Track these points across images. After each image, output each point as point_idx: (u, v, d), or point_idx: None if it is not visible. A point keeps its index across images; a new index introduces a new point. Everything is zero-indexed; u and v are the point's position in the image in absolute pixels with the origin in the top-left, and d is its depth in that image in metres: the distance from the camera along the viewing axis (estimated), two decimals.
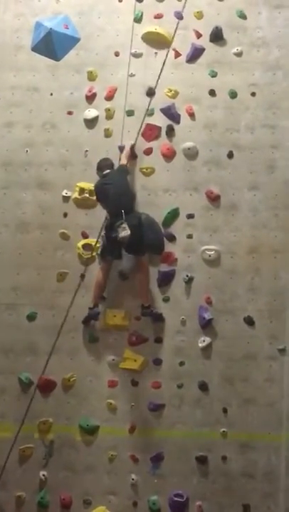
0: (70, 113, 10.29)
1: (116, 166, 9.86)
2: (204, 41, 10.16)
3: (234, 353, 9.78)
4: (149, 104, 10.00)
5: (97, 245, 9.87)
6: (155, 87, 10.01)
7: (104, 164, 9.88)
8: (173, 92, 10.14)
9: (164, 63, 9.97)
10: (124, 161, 9.82)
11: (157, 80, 9.98)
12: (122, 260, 9.69)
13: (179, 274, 9.92)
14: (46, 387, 9.93)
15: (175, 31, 9.99)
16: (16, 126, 10.34)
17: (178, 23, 9.99)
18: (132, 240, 9.43)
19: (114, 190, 9.60)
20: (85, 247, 10.02)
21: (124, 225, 9.39)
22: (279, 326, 9.75)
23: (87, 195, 10.04)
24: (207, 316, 9.79)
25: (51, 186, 10.23)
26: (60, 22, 9.16)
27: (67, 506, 9.76)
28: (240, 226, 9.94)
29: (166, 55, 9.99)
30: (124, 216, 9.44)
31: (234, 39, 10.15)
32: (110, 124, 10.14)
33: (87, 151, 10.14)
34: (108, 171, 9.81)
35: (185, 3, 9.99)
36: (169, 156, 10.10)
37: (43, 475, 9.83)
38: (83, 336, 9.96)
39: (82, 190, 10.08)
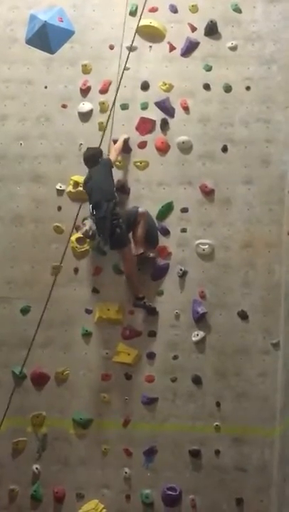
0: (64, 106, 10.27)
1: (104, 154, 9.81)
2: (199, 35, 10.16)
3: (228, 347, 9.78)
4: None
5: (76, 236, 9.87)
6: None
7: (86, 157, 9.75)
8: (167, 85, 10.13)
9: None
10: (113, 155, 9.76)
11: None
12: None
13: (173, 267, 9.92)
14: (39, 380, 9.92)
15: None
16: (10, 119, 10.32)
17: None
18: (106, 233, 9.47)
19: (93, 186, 9.58)
20: (79, 240, 10.00)
21: (86, 221, 9.51)
22: (273, 320, 9.75)
23: (81, 188, 10.02)
24: (201, 310, 9.79)
25: (45, 179, 10.22)
26: (54, 15, 9.15)
27: (60, 500, 9.77)
28: (234, 220, 9.94)
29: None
30: (93, 211, 9.49)
31: (229, 33, 10.14)
32: (104, 117, 10.10)
33: (81, 144, 10.12)
34: (93, 167, 9.71)
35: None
36: (163, 149, 10.09)
37: (36, 468, 9.83)
38: (77, 330, 9.95)
39: (76, 184, 10.07)
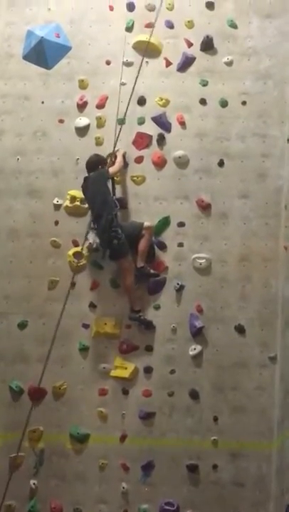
0: (61, 121, 10.31)
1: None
2: (195, 50, 10.20)
3: (225, 361, 9.78)
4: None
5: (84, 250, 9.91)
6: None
7: (90, 162, 9.84)
8: (164, 100, 10.17)
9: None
10: (115, 169, 9.82)
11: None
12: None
13: (170, 282, 9.93)
14: (37, 395, 9.90)
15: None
16: (7, 134, 10.35)
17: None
18: (104, 245, 9.59)
19: (94, 199, 9.67)
20: (76, 255, 10.01)
21: (89, 236, 9.65)
22: (270, 334, 9.76)
23: (78, 203, 10.05)
24: (198, 324, 9.80)
25: (42, 194, 10.24)
26: (51, 30, 9.19)
27: None
28: (230, 234, 9.96)
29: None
30: (93, 225, 9.61)
31: (225, 48, 10.18)
32: (101, 132, 10.15)
33: (78, 159, 10.15)
34: (92, 174, 9.79)
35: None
36: (159, 164, 10.12)
37: (34, 483, 9.80)
38: (74, 344, 9.95)
39: (73, 199, 10.09)
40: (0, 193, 10.29)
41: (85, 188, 9.82)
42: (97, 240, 9.59)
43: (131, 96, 9.95)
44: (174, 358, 9.84)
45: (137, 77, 9.99)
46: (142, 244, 9.76)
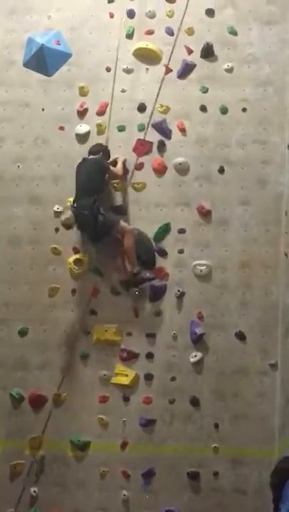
0: (61, 128, 10.31)
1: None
2: (195, 57, 10.21)
3: (226, 368, 9.77)
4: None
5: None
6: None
7: (93, 148, 9.94)
8: (164, 107, 10.17)
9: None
10: (116, 170, 9.86)
11: None
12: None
13: (171, 288, 9.92)
14: (37, 402, 9.89)
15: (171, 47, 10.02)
16: (7, 141, 10.35)
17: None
18: (85, 230, 9.67)
19: (79, 180, 9.72)
20: (76, 262, 10.01)
21: (66, 211, 9.68)
22: (270, 341, 9.74)
23: None
24: (198, 331, 9.78)
25: (43, 201, 10.23)
26: (51, 38, 9.21)
27: None
28: (231, 241, 9.95)
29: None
30: (73, 203, 9.62)
31: (225, 55, 10.19)
32: (102, 139, 10.15)
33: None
34: (91, 156, 9.84)
35: (182, 18, 10.07)
36: (160, 171, 10.12)
37: (34, 491, 9.78)
38: (75, 351, 9.93)
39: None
40: (0, 200, 10.30)
41: (78, 167, 9.82)
42: (73, 219, 9.61)
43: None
44: (175, 365, 9.82)
45: (159, 89, 10.08)
46: (126, 246, 9.72)
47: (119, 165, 9.96)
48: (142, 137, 10.15)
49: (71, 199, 9.83)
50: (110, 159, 9.96)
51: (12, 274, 10.15)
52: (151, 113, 10.13)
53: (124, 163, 10.01)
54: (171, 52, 10.11)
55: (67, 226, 9.76)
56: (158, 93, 10.10)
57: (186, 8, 10.11)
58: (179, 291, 9.89)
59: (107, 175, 9.82)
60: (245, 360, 9.75)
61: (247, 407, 9.67)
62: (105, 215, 9.56)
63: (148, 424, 9.74)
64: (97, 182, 9.72)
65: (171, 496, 9.61)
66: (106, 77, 10.26)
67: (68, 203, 9.85)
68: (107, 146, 9.98)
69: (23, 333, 10.05)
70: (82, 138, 10.23)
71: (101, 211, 9.53)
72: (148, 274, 9.85)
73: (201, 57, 10.21)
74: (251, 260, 9.89)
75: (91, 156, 9.85)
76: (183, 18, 10.10)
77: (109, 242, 9.77)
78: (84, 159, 9.85)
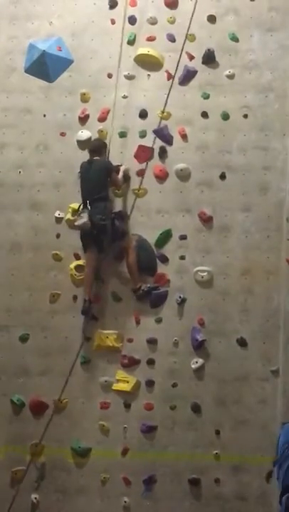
0: (62, 134, 10.32)
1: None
2: (197, 63, 10.21)
3: (227, 374, 9.75)
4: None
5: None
6: None
7: (95, 146, 9.97)
8: (165, 113, 10.17)
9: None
10: (119, 179, 9.87)
11: None
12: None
13: (172, 295, 9.91)
14: (38, 408, 9.88)
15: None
16: (8, 147, 10.37)
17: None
18: (100, 236, 9.59)
19: (92, 180, 9.73)
20: (78, 268, 10.00)
21: (83, 215, 9.57)
22: (272, 347, 9.72)
23: None
24: (200, 337, 9.77)
25: (44, 207, 10.24)
26: (53, 44, 9.23)
27: None
28: (232, 247, 9.94)
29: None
30: (88, 206, 9.59)
31: (226, 61, 10.18)
32: None
33: (80, 172, 10.14)
34: (96, 158, 9.85)
35: (189, 25, 10.11)
36: (161, 177, 10.12)
37: (35, 498, 9.76)
38: (75, 358, 9.92)
39: (74, 212, 10.08)
40: (2, 206, 10.31)
41: (85, 170, 9.81)
42: (85, 221, 9.56)
43: None
44: (176, 371, 9.80)
45: (168, 94, 10.09)
46: (130, 262, 9.79)
47: (120, 174, 9.94)
48: (143, 143, 10.15)
49: (74, 204, 9.85)
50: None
51: (13, 280, 10.16)
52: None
53: (125, 172, 9.99)
54: (179, 60, 10.12)
55: (83, 230, 9.68)
56: (166, 100, 10.13)
57: (192, 15, 10.09)
58: (180, 297, 9.88)
59: (109, 179, 9.83)
60: (246, 367, 9.73)
61: (248, 413, 9.65)
62: (120, 222, 9.66)
63: (149, 430, 9.72)
64: (107, 187, 9.77)
65: (172, 503, 9.60)
66: (107, 83, 10.26)
67: (75, 207, 9.91)
68: (105, 142, 9.98)
69: (24, 339, 10.04)
70: (84, 144, 10.23)
71: (115, 216, 9.61)
72: (149, 285, 9.85)
73: (203, 63, 10.21)
74: (253, 267, 9.88)
75: (96, 158, 9.84)
76: (190, 24, 10.09)
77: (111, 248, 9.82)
78: (89, 161, 9.85)
